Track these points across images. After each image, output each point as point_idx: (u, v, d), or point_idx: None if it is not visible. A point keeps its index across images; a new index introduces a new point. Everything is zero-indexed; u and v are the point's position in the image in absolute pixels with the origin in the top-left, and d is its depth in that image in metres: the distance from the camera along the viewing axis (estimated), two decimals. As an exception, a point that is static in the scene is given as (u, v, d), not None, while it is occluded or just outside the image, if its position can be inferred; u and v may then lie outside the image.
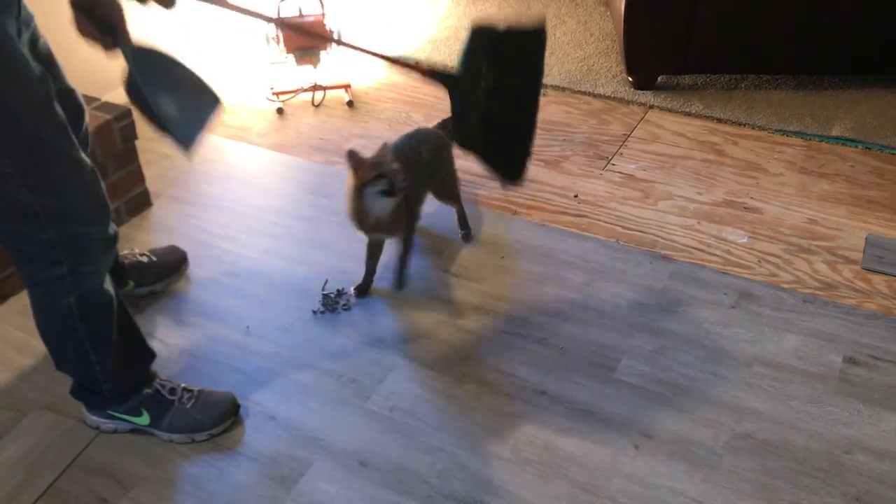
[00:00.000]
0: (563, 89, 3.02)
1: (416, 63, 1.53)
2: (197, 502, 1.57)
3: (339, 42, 1.52)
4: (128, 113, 2.20)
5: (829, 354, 1.87)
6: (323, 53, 2.89)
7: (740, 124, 2.78)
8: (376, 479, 1.60)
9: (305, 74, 2.94)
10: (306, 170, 2.58)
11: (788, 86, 2.96)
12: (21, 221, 1.38)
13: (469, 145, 1.56)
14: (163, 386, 1.69)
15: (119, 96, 1.66)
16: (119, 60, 1.46)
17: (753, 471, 1.61)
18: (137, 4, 1.44)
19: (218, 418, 1.69)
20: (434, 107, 2.91)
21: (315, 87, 2.94)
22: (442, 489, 1.58)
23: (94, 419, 1.69)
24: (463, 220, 2.25)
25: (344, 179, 1.84)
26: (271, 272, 2.13)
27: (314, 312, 2.01)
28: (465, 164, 2.23)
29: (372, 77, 3.12)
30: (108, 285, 1.54)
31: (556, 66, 3.15)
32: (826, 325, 1.96)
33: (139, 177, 2.32)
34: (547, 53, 3.20)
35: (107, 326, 1.56)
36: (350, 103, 2.93)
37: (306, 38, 2.70)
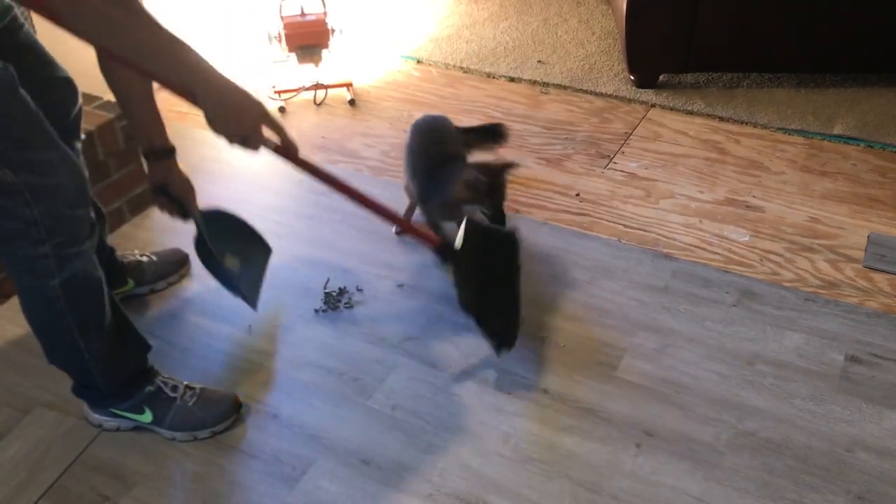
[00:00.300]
0: (565, 88, 3.02)
1: (428, 234, 1.83)
2: (199, 500, 1.57)
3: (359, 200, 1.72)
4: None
5: (830, 353, 1.87)
6: (325, 52, 2.89)
7: (742, 123, 2.78)
8: (378, 478, 1.61)
9: (307, 73, 2.94)
10: (308, 168, 2.57)
11: (790, 84, 2.96)
12: (4, 198, 1.36)
13: (468, 309, 1.80)
14: (165, 383, 1.69)
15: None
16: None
17: (755, 469, 1.61)
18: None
19: (220, 416, 1.70)
20: (435, 105, 2.91)
21: (317, 86, 2.94)
22: (444, 487, 1.58)
23: (96, 417, 1.69)
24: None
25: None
26: (273, 271, 2.12)
27: (316, 311, 2.02)
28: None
29: (374, 76, 3.12)
30: (95, 269, 1.53)
31: (558, 64, 3.15)
32: (828, 323, 1.96)
33: (141, 176, 2.32)
34: (549, 52, 3.22)
35: (95, 312, 1.55)
36: (352, 102, 2.93)
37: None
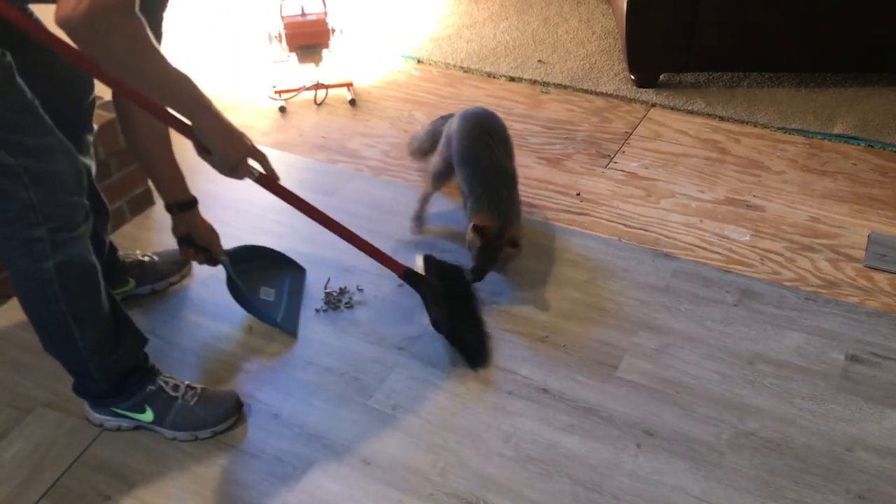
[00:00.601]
0: (565, 87, 3.02)
1: (394, 262, 1.88)
2: (200, 500, 1.58)
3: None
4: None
5: (831, 352, 1.88)
6: (325, 52, 2.89)
7: (742, 122, 2.78)
8: (379, 477, 1.61)
9: (308, 73, 2.94)
10: (309, 168, 2.58)
11: (790, 84, 2.96)
12: (3, 178, 1.37)
13: (440, 329, 1.87)
14: (166, 383, 1.69)
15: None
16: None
17: (755, 468, 1.62)
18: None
19: (221, 416, 1.70)
20: (435, 105, 2.91)
21: (317, 86, 2.94)
22: (444, 487, 1.59)
23: (97, 417, 1.69)
24: None
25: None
26: (274, 270, 2.13)
27: (317, 311, 2.02)
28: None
29: (374, 75, 3.12)
30: (90, 255, 1.53)
31: (558, 64, 3.15)
32: (828, 322, 1.96)
33: (141, 176, 2.32)
34: (549, 51, 3.22)
35: (89, 299, 1.55)
36: (352, 102, 2.94)
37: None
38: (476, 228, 1.93)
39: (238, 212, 2.34)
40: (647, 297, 2.04)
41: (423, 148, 2.40)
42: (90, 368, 1.60)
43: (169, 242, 2.16)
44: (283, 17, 2.84)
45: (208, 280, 2.10)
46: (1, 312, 2.00)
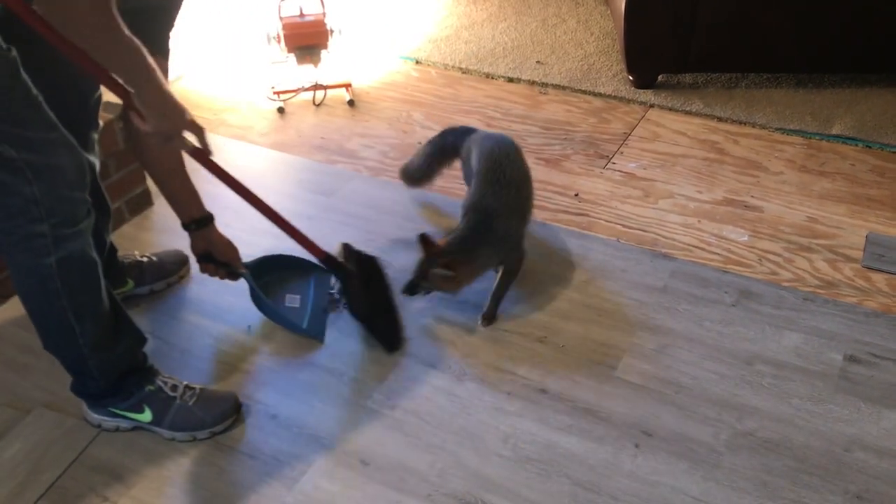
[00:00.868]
0: (564, 88, 3.02)
1: (316, 246, 1.92)
2: (198, 501, 1.58)
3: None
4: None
5: (829, 352, 1.88)
6: (324, 53, 2.89)
7: (741, 123, 2.79)
8: (377, 478, 1.61)
9: (306, 74, 2.94)
10: (307, 169, 2.58)
11: (789, 84, 2.96)
12: (5, 173, 1.37)
13: (356, 314, 1.95)
14: (164, 383, 1.69)
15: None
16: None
17: (754, 469, 1.62)
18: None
19: (220, 416, 1.70)
20: (434, 106, 2.91)
21: (316, 87, 2.94)
22: (442, 487, 1.59)
23: (95, 417, 1.69)
24: None
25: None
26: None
27: (315, 311, 2.02)
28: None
29: (373, 76, 3.12)
30: (91, 250, 1.53)
31: (557, 64, 3.16)
32: (826, 323, 1.96)
33: (140, 176, 2.32)
34: (548, 52, 3.22)
35: (90, 295, 1.55)
36: (351, 102, 2.94)
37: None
38: (423, 240, 1.89)
39: (236, 212, 2.33)
40: (646, 298, 2.04)
41: (415, 178, 2.35)
42: (90, 366, 1.60)
43: (168, 243, 2.17)
44: (281, 18, 2.84)
45: (207, 281, 2.09)
46: (0, 312, 2.00)
